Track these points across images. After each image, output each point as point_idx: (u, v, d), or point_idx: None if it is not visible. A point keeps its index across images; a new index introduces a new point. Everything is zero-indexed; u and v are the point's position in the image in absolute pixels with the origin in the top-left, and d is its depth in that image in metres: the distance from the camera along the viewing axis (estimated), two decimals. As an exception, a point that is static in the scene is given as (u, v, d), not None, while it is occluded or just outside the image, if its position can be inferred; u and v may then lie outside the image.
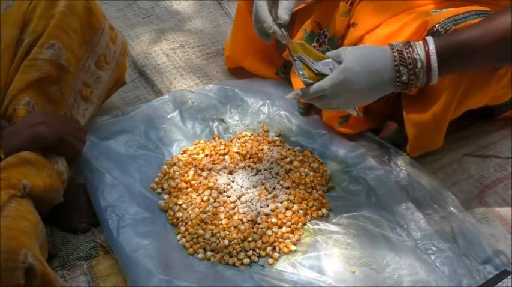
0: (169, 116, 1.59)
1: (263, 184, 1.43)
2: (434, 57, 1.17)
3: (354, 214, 1.37)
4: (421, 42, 1.18)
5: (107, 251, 1.33)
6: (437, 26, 1.31)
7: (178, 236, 1.34)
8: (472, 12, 1.32)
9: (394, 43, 1.20)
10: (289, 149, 1.52)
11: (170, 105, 1.61)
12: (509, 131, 1.58)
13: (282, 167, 1.46)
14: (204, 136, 1.57)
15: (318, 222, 1.37)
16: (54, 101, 1.32)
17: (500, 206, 1.43)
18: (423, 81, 1.19)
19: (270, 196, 1.40)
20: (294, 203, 1.39)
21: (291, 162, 1.48)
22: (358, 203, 1.40)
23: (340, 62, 1.20)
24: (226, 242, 1.30)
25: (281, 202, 1.39)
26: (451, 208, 1.37)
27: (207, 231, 1.32)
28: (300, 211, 1.37)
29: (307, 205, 1.39)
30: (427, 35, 1.32)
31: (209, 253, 1.30)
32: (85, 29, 1.37)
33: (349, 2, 1.47)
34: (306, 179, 1.43)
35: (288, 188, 1.42)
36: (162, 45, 1.86)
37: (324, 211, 1.39)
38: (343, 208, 1.39)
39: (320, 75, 1.21)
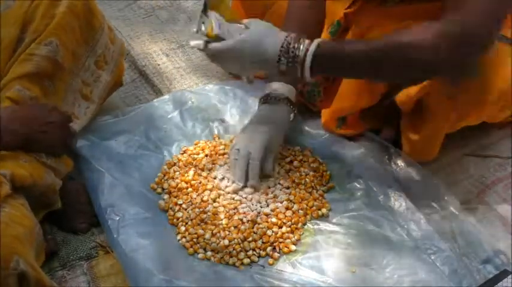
0: (169, 116, 1.59)
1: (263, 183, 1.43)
2: (309, 59, 1.24)
3: (354, 214, 1.37)
4: (308, 41, 1.26)
5: (107, 251, 1.33)
6: None
7: (179, 236, 1.33)
8: None
9: (292, 34, 1.27)
10: (289, 149, 1.52)
11: (170, 105, 1.61)
12: (509, 131, 1.58)
13: (282, 167, 1.46)
14: (204, 136, 1.57)
15: (318, 222, 1.37)
16: (47, 93, 1.32)
17: (500, 206, 1.43)
18: (298, 74, 1.27)
19: (270, 196, 1.40)
20: (294, 203, 1.39)
21: (291, 162, 1.48)
22: (358, 203, 1.40)
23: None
24: (226, 242, 1.30)
25: (281, 202, 1.39)
26: (451, 208, 1.37)
27: (207, 231, 1.32)
28: (300, 211, 1.37)
29: (307, 205, 1.39)
30: None
31: (209, 253, 1.30)
32: (85, 29, 1.37)
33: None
34: (306, 179, 1.43)
35: (288, 188, 1.42)
36: (162, 45, 1.86)
37: (324, 211, 1.38)
38: (343, 208, 1.39)
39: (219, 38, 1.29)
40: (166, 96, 1.65)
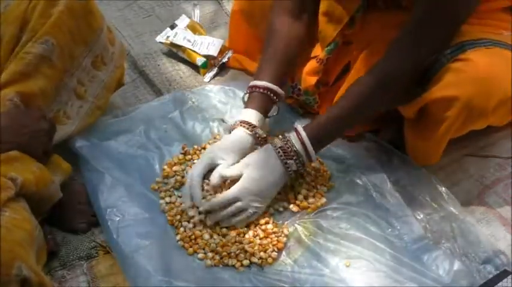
0: (169, 116, 1.59)
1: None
2: (308, 144, 1.33)
3: (354, 214, 1.37)
4: (294, 133, 1.34)
5: (107, 251, 1.33)
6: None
7: (178, 237, 1.34)
8: (471, 40, 1.33)
9: (275, 141, 1.35)
10: (289, 149, 1.52)
11: (170, 105, 1.61)
12: (509, 131, 1.58)
13: (282, 167, 1.46)
14: (204, 136, 1.57)
15: (317, 221, 1.37)
16: (38, 93, 1.30)
17: (500, 206, 1.43)
18: (306, 163, 1.36)
19: (269, 196, 1.41)
20: (294, 203, 1.39)
21: (291, 162, 1.48)
22: (357, 203, 1.40)
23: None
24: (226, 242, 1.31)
25: (281, 202, 1.39)
26: (451, 208, 1.37)
27: (207, 231, 1.32)
28: (300, 211, 1.38)
29: (307, 204, 1.39)
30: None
31: (209, 254, 1.30)
32: (83, 29, 1.37)
33: (321, 62, 1.49)
34: (307, 179, 1.43)
35: (288, 187, 1.42)
36: (162, 46, 1.86)
37: (323, 210, 1.38)
38: (342, 208, 1.39)
39: None
40: (166, 96, 1.65)
